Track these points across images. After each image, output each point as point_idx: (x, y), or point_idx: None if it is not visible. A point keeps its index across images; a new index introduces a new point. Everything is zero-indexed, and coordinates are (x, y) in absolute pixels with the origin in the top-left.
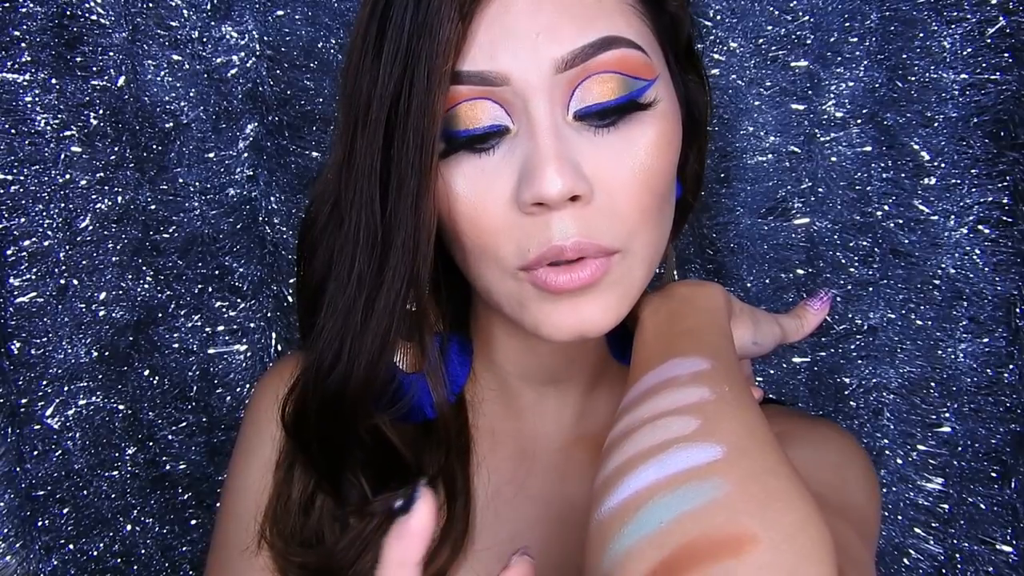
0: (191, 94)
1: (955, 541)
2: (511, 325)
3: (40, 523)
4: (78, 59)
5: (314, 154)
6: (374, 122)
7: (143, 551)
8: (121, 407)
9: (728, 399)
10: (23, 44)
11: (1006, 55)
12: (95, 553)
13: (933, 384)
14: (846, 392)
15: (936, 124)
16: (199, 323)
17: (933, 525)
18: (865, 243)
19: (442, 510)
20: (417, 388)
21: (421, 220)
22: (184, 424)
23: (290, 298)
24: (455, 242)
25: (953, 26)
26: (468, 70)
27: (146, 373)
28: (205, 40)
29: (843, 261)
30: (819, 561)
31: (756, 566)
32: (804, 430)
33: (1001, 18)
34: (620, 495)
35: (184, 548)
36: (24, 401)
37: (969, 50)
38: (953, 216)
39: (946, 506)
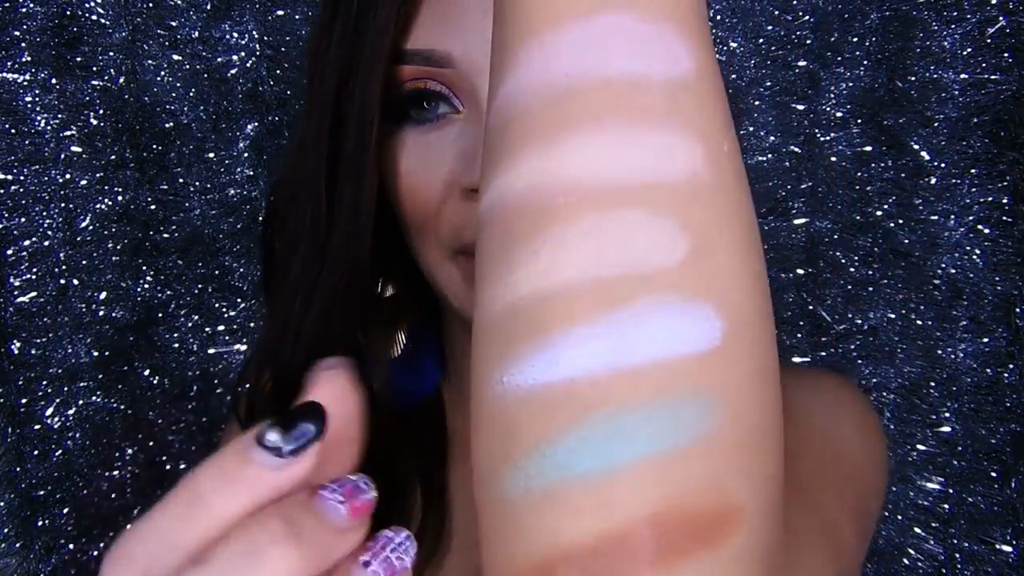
0: (191, 94)
1: (955, 541)
2: (468, 323)
3: (40, 523)
4: (78, 59)
5: None
6: (322, 104)
7: None
8: (121, 407)
9: (729, 174)
10: (23, 44)
11: (1006, 55)
12: (95, 553)
13: (933, 384)
14: None
15: (936, 124)
16: (199, 323)
17: (933, 525)
18: (865, 243)
19: (417, 509)
20: (391, 377)
21: (361, 201)
22: (184, 424)
23: None
24: (400, 222)
25: (953, 26)
26: (411, 48)
27: (146, 373)
28: (205, 40)
29: (843, 261)
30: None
31: (733, 558)
32: (797, 378)
33: (1001, 18)
34: (547, 370)
35: None
36: (24, 401)
37: (969, 50)
38: (953, 216)
39: (946, 506)
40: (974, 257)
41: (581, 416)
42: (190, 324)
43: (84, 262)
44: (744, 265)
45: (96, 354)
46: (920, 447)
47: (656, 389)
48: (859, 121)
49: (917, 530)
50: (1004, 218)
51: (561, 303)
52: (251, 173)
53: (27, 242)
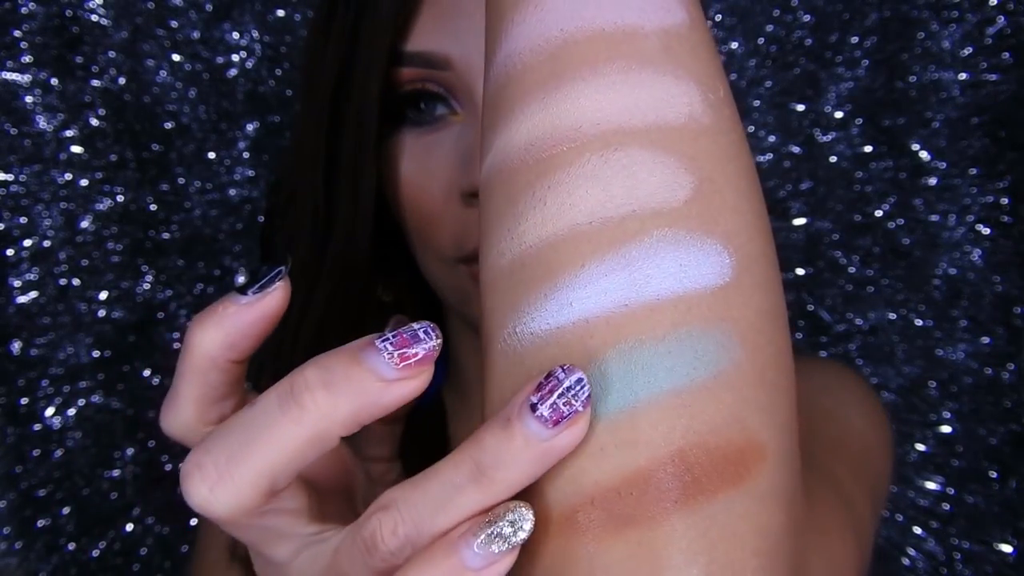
0: (191, 94)
1: (955, 541)
2: (471, 327)
3: (40, 523)
4: (79, 60)
5: None
6: (319, 105)
7: (144, 551)
8: (121, 407)
9: (726, 118)
10: (24, 45)
11: (1006, 55)
12: (95, 553)
13: (933, 384)
14: None
15: (936, 124)
16: None
17: (933, 525)
18: (865, 243)
19: None
20: None
21: (359, 203)
22: None
23: None
24: (402, 228)
25: (953, 26)
26: (410, 50)
27: (146, 373)
28: (205, 40)
29: (843, 261)
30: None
31: (758, 496)
32: (800, 365)
33: (1001, 18)
34: (559, 313)
35: (185, 548)
36: (24, 401)
37: (969, 50)
38: (953, 216)
39: (946, 506)
40: (974, 257)
41: (598, 354)
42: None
43: (84, 262)
44: (748, 203)
45: (96, 354)
46: (919, 447)
47: (672, 323)
48: (859, 121)
49: (917, 530)
50: (1004, 218)
51: (569, 245)
52: (251, 173)
53: (27, 242)
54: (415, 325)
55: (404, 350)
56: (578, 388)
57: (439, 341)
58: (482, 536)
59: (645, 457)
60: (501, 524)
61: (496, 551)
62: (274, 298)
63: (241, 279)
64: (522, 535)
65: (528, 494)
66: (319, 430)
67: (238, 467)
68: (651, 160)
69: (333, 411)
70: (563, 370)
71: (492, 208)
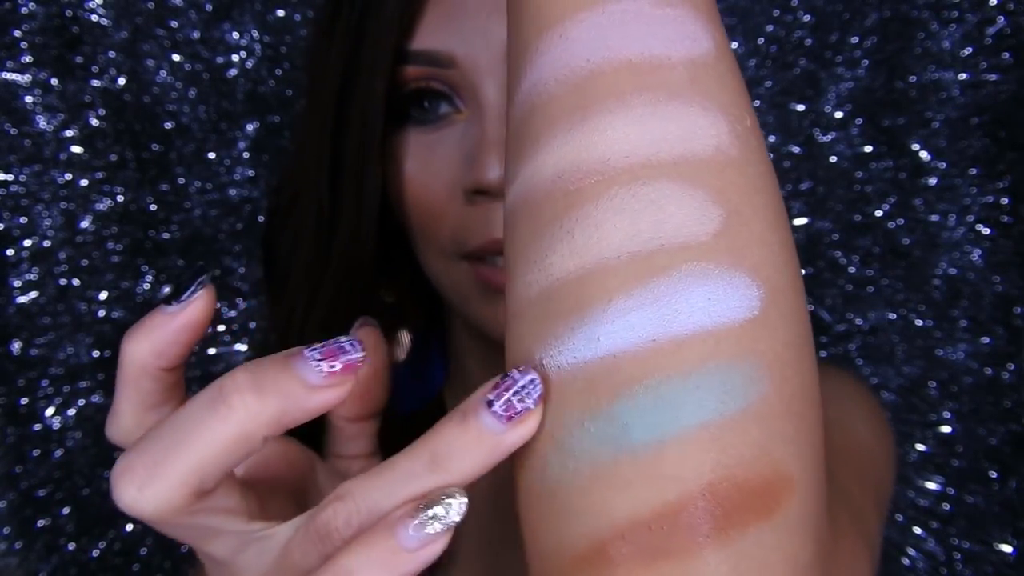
0: (191, 94)
1: (955, 541)
2: (472, 327)
3: (40, 523)
4: (79, 60)
5: None
6: (324, 103)
7: (144, 550)
8: None
9: (753, 148)
10: (24, 45)
11: (1006, 55)
12: (96, 553)
13: (933, 384)
14: None
15: (936, 124)
16: None
17: (933, 525)
18: (865, 243)
19: None
20: (395, 380)
21: (364, 203)
22: None
23: None
24: (405, 227)
25: (953, 26)
26: (415, 48)
27: None
28: (205, 40)
29: (843, 261)
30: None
31: (787, 528)
32: None
33: (1000, 18)
34: (587, 348)
35: (185, 548)
36: (24, 401)
37: (969, 50)
38: (953, 216)
39: (946, 506)
40: (974, 257)
41: (626, 389)
42: None
43: (84, 262)
44: (776, 235)
45: (96, 354)
46: (919, 447)
47: (700, 358)
48: (859, 121)
49: (917, 530)
50: (1004, 218)
51: (597, 279)
52: (251, 173)
53: (27, 242)
54: (342, 338)
55: (329, 360)
56: (531, 387)
57: (362, 354)
58: (419, 518)
59: (674, 492)
60: (436, 507)
61: (431, 532)
62: (196, 307)
63: (167, 291)
64: (455, 516)
65: (555, 529)
66: (246, 430)
67: (167, 466)
68: (679, 194)
69: (260, 412)
70: (518, 371)
71: (518, 237)
